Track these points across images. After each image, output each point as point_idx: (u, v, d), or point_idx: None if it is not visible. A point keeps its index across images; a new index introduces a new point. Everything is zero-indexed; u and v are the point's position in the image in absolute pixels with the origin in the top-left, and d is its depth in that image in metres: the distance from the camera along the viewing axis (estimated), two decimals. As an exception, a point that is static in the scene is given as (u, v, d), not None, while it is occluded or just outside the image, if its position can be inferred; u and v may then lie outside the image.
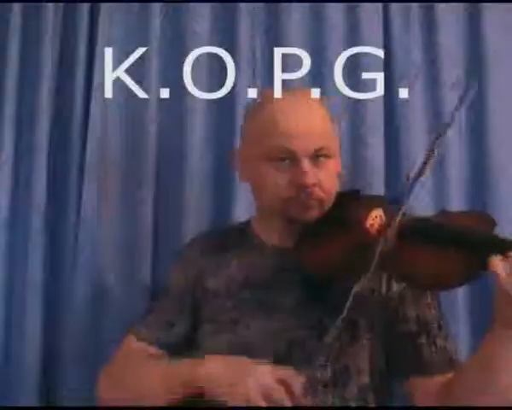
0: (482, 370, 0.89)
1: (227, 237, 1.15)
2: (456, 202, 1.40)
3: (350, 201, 1.04)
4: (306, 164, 0.99)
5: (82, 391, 1.30)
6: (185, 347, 1.09)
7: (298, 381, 0.86)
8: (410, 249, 0.89)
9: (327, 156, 1.02)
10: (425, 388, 0.98)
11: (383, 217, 0.96)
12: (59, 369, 1.34)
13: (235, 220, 1.32)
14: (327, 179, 1.02)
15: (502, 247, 0.82)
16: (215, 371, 0.91)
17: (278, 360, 0.95)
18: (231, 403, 0.88)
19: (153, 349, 1.07)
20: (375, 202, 1.02)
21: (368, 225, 0.95)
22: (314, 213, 1.01)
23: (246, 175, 1.10)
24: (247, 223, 1.16)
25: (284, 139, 0.99)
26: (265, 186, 1.02)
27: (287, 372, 0.88)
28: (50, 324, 1.36)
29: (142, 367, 1.02)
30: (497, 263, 0.81)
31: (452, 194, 1.41)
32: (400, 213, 0.90)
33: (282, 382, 0.86)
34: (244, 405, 0.86)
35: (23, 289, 1.34)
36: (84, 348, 1.32)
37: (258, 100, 1.11)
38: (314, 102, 1.08)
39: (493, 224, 0.90)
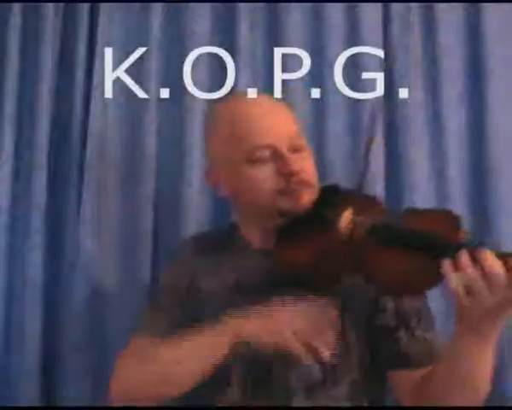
0: (448, 371, 0.89)
1: (217, 239, 1.15)
2: (456, 203, 1.40)
3: (328, 198, 1.03)
4: (287, 153, 1.00)
5: (82, 391, 1.30)
6: None
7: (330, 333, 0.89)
8: (377, 253, 0.89)
9: (302, 145, 1.04)
10: (404, 381, 0.97)
11: (353, 218, 0.95)
12: (59, 369, 1.34)
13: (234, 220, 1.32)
14: (309, 165, 1.04)
15: (454, 251, 0.80)
16: (257, 327, 0.92)
17: (264, 364, 0.96)
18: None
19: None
20: (350, 199, 1.01)
21: (341, 227, 0.95)
22: (307, 199, 1.01)
23: (226, 187, 1.07)
24: (234, 226, 1.15)
25: (261, 137, 1.00)
26: (252, 188, 1.01)
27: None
28: (50, 324, 1.36)
29: (160, 348, 0.99)
30: (449, 269, 0.79)
31: (452, 194, 1.41)
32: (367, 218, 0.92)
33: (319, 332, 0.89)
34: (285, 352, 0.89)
35: (23, 289, 1.34)
36: (84, 348, 1.32)
37: (214, 112, 1.10)
38: (273, 98, 1.12)
39: (458, 223, 0.88)
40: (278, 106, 1.08)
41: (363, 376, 1.00)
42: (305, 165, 1.03)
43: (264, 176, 1.00)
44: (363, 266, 0.90)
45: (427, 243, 0.84)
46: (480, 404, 0.90)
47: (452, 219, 0.89)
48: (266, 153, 1.00)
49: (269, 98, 1.11)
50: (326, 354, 0.89)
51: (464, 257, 0.79)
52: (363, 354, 1.00)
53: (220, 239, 1.15)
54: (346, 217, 0.95)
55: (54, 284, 1.38)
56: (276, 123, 1.03)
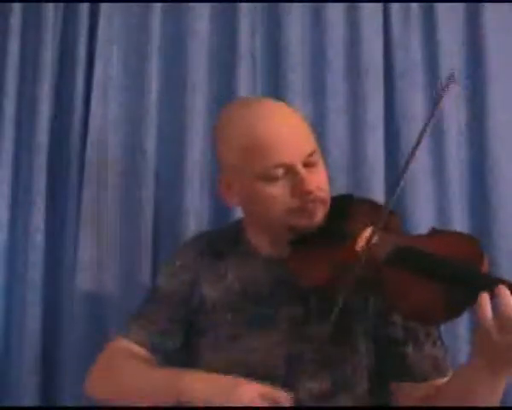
0: (456, 397, 0.89)
1: (221, 242, 1.12)
2: (456, 203, 1.40)
3: (342, 210, 1.01)
4: (303, 171, 0.97)
5: (82, 391, 1.30)
6: (184, 356, 1.09)
7: (286, 398, 0.86)
8: (398, 277, 0.86)
9: (316, 160, 1.00)
10: (408, 393, 0.98)
11: (372, 236, 0.91)
12: (59, 369, 1.34)
13: (237, 220, 1.32)
14: (323, 180, 1.01)
15: (490, 285, 0.77)
16: (196, 386, 0.91)
17: (276, 375, 0.96)
18: None
19: (143, 351, 1.06)
20: (365, 211, 1.00)
21: (358, 248, 0.93)
22: (320, 217, 0.99)
23: (238, 199, 1.05)
24: (240, 228, 1.12)
25: (277, 155, 0.96)
26: (266, 204, 0.98)
27: (274, 390, 0.87)
28: (50, 324, 1.36)
29: (128, 365, 1.02)
30: (487, 302, 0.76)
31: (452, 194, 1.41)
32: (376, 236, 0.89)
33: (269, 398, 0.86)
34: None
35: (23, 290, 1.34)
36: (84, 348, 1.32)
37: (228, 121, 1.03)
38: (288, 108, 1.05)
39: (481, 251, 0.84)
40: (295, 119, 1.02)
41: (371, 385, 1.00)
42: (320, 181, 0.99)
43: (279, 194, 0.97)
44: (379, 289, 0.88)
45: (456, 273, 0.81)
46: None
47: (475, 246, 0.86)
48: (281, 171, 0.96)
49: (286, 110, 1.04)
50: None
51: (504, 293, 0.76)
52: (372, 363, 1.00)
53: (225, 241, 1.12)
54: (365, 237, 0.92)
55: (54, 284, 1.38)
56: (294, 140, 0.98)
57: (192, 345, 1.08)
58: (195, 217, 1.37)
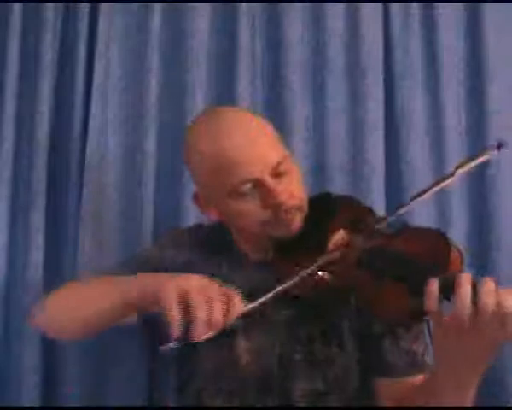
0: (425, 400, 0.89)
1: (212, 241, 1.12)
2: (456, 203, 1.41)
3: (320, 210, 1.00)
4: (271, 182, 0.94)
5: (82, 391, 1.30)
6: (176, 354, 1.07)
7: (239, 305, 0.82)
8: (366, 281, 0.87)
9: (287, 168, 0.97)
10: (387, 389, 0.98)
11: (345, 239, 0.93)
12: (59, 369, 1.34)
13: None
14: (295, 187, 0.98)
15: (447, 279, 0.76)
16: (146, 275, 0.89)
17: (268, 376, 0.96)
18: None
19: None
20: (343, 212, 1.00)
21: (331, 249, 0.93)
22: (297, 224, 0.97)
23: (215, 214, 1.04)
24: (226, 230, 1.11)
25: (244, 171, 0.94)
26: (239, 218, 0.98)
27: (230, 291, 0.83)
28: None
29: (86, 285, 1.00)
30: (433, 289, 0.75)
31: (452, 194, 1.41)
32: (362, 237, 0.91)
33: (224, 296, 0.81)
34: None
35: (23, 289, 1.34)
36: (84, 347, 1.32)
37: (193, 138, 1.01)
38: (252, 118, 1.00)
39: (448, 248, 0.84)
40: (261, 130, 0.98)
41: (363, 383, 1.00)
42: (293, 190, 0.97)
43: (250, 209, 0.96)
44: (353, 292, 0.90)
45: (415, 272, 0.81)
46: None
47: (441, 240, 0.86)
48: (249, 186, 0.95)
49: (250, 121, 0.99)
50: (196, 336, 0.78)
51: (461, 282, 0.74)
52: (360, 362, 1.00)
53: (216, 241, 1.12)
54: (337, 240, 0.93)
55: (54, 284, 1.38)
56: (260, 152, 0.95)
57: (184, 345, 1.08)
58: (195, 217, 1.37)
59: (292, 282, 0.87)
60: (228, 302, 0.80)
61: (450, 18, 1.46)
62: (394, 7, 1.46)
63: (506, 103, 1.43)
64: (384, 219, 0.95)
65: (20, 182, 1.40)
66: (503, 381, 1.32)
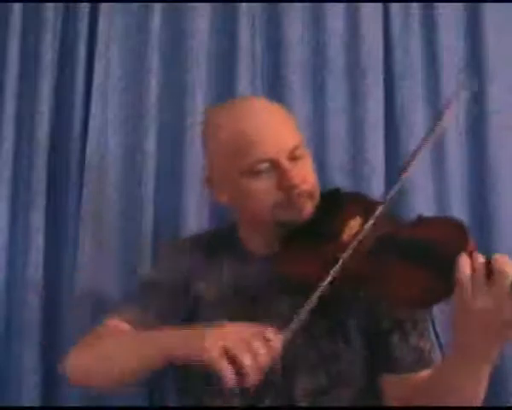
0: (438, 393, 0.89)
1: (215, 243, 1.13)
2: (456, 202, 1.40)
3: (330, 205, 1.01)
4: (288, 165, 0.98)
5: (82, 391, 1.30)
6: None
7: (277, 336, 0.82)
8: (386, 265, 0.87)
9: (301, 153, 1.01)
10: (394, 386, 0.97)
11: (359, 227, 0.93)
12: (59, 369, 1.34)
13: (233, 221, 1.32)
14: (309, 172, 1.02)
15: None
16: (185, 345, 0.87)
17: (272, 372, 0.93)
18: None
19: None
20: (354, 205, 1.00)
21: (345, 237, 0.93)
22: (308, 210, 0.99)
23: (225, 197, 1.06)
24: (234, 229, 1.13)
25: (262, 151, 0.97)
26: (252, 200, 1.00)
27: (262, 328, 0.82)
28: (50, 323, 1.36)
29: (114, 338, 0.99)
30: (466, 262, 0.78)
31: (452, 194, 1.41)
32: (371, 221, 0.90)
33: (260, 334, 0.81)
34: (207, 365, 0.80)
35: (23, 289, 1.34)
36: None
37: (213, 120, 1.06)
38: (272, 104, 1.06)
39: (466, 234, 0.85)
40: (279, 115, 1.04)
41: (369, 380, 1.00)
42: (306, 174, 1.01)
43: (265, 189, 0.98)
44: (369, 278, 0.88)
45: (438, 256, 0.82)
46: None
47: (459, 229, 0.86)
48: (266, 166, 0.98)
49: (270, 106, 1.06)
50: (251, 380, 0.79)
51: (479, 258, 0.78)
52: (367, 359, 1.00)
53: (218, 241, 1.13)
54: (353, 226, 0.93)
55: (54, 284, 1.38)
56: (278, 135, 0.99)
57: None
58: (195, 217, 1.37)
59: (326, 283, 0.86)
60: (265, 338, 0.81)
61: (450, 18, 1.45)
62: (394, 7, 1.46)
63: (506, 103, 1.42)
64: (383, 202, 0.95)
65: (20, 182, 1.40)
66: (503, 381, 1.32)
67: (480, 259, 0.78)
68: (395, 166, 1.40)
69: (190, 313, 1.07)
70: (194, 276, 1.09)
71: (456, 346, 0.84)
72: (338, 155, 1.40)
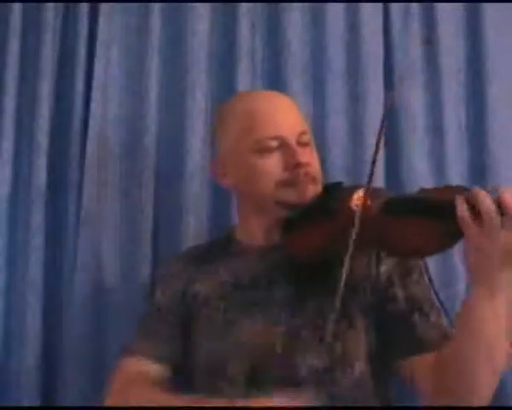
0: (465, 334, 0.88)
1: (211, 249, 1.15)
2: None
3: (333, 190, 1.05)
4: (296, 145, 1.03)
5: (82, 391, 1.30)
6: (182, 358, 1.08)
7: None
8: (394, 224, 0.91)
9: (308, 141, 1.07)
10: (423, 365, 0.95)
11: (365, 193, 0.95)
12: (59, 369, 1.34)
13: (234, 221, 1.32)
14: (314, 159, 1.07)
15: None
16: None
17: (275, 353, 0.96)
18: None
19: (152, 365, 1.06)
20: (356, 187, 1.02)
21: (353, 206, 0.96)
22: (311, 193, 1.03)
23: (231, 177, 1.10)
24: (229, 233, 1.16)
25: (271, 128, 1.04)
26: (258, 177, 1.04)
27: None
28: (50, 324, 1.36)
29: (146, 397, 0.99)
30: (462, 202, 0.81)
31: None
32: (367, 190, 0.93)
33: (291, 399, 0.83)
34: None
35: (23, 289, 1.34)
36: (84, 348, 1.32)
37: (226, 107, 1.14)
38: (283, 95, 1.17)
39: (466, 188, 0.88)
40: (290, 103, 1.12)
41: (370, 364, 0.99)
42: (312, 160, 1.06)
43: (271, 166, 1.03)
44: (380, 239, 0.92)
45: (440, 207, 0.86)
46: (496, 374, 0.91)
47: (461, 187, 0.89)
48: (275, 143, 1.03)
49: (281, 95, 1.16)
50: None
51: (478, 193, 0.80)
52: (372, 342, 0.99)
53: (215, 248, 1.15)
54: (359, 194, 0.96)
55: (54, 284, 1.38)
56: (288, 118, 1.07)
57: (189, 334, 1.08)
58: (195, 217, 1.37)
59: (347, 264, 0.88)
60: (297, 399, 0.83)
61: (450, 18, 1.45)
62: (394, 7, 1.46)
63: (506, 103, 1.42)
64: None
65: (20, 181, 1.40)
66: (502, 381, 1.32)
67: (489, 198, 0.79)
68: (395, 167, 1.40)
69: (189, 309, 1.08)
70: (190, 281, 1.10)
71: (474, 282, 0.85)
72: (338, 155, 1.40)
